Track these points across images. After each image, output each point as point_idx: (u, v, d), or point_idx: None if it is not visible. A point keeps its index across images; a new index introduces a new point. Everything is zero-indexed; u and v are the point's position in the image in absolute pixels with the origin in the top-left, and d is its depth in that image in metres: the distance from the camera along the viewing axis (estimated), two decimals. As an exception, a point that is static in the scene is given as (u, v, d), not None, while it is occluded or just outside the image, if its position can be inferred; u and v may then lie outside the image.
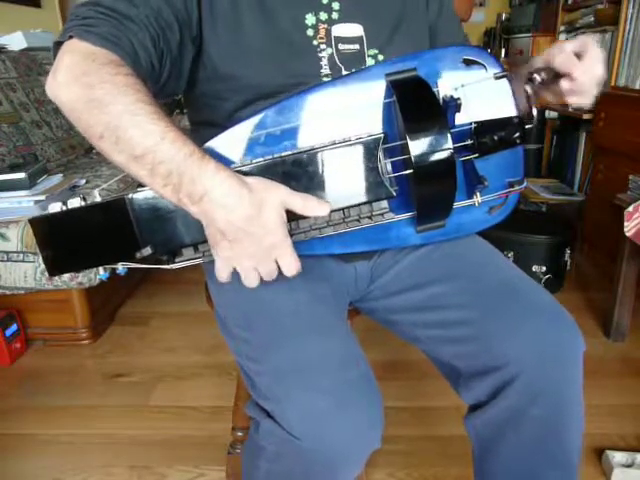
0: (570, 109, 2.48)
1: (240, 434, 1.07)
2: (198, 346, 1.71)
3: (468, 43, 0.99)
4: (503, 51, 3.61)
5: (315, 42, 0.72)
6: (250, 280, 0.61)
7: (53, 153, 2.09)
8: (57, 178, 1.71)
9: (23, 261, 1.51)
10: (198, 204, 0.56)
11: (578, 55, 0.66)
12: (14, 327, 1.63)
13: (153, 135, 0.55)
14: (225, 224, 0.56)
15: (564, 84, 0.67)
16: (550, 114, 2.92)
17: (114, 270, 0.69)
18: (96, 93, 0.56)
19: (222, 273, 0.62)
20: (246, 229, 0.57)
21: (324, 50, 0.72)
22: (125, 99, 0.56)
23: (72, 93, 0.57)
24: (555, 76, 0.68)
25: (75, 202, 0.64)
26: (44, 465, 1.23)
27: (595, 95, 0.68)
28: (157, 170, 0.56)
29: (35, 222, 0.64)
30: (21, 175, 1.55)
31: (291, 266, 0.60)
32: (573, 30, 2.68)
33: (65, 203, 0.64)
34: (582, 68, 0.65)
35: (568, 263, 2.01)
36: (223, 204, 0.56)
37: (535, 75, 0.68)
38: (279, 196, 0.58)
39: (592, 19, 2.41)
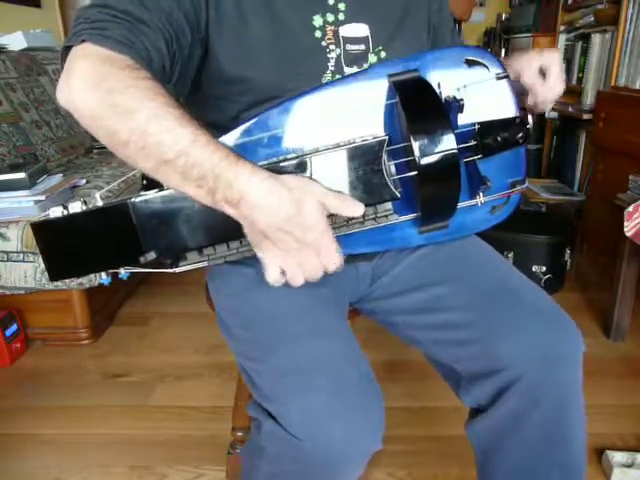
0: (570, 109, 2.48)
1: (240, 434, 1.07)
2: (198, 346, 1.71)
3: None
4: (503, 51, 3.62)
5: (324, 43, 0.71)
6: (295, 279, 0.60)
7: (53, 153, 2.09)
8: (57, 178, 1.71)
9: (23, 261, 1.50)
10: (237, 207, 0.55)
11: (543, 70, 0.77)
12: (14, 327, 1.63)
13: (184, 139, 0.54)
14: (266, 225, 0.56)
15: (530, 99, 0.79)
16: (550, 114, 2.91)
17: (116, 274, 0.69)
18: (120, 98, 0.54)
19: (270, 274, 0.60)
20: (287, 228, 0.55)
21: (333, 51, 0.72)
22: (151, 104, 0.54)
23: (93, 99, 0.55)
24: (522, 87, 0.78)
25: (76, 207, 0.62)
26: (44, 465, 1.23)
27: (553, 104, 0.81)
28: (189, 173, 0.55)
29: (36, 227, 0.63)
30: (21, 175, 1.55)
31: (331, 259, 0.59)
32: (573, 30, 2.68)
33: (66, 208, 0.62)
34: (545, 87, 0.77)
35: (568, 263, 2.01)
36: (263, 206, 0.55)
37: None
38: (316, 194, 0.57)
39: (592, 19, 2.41)
